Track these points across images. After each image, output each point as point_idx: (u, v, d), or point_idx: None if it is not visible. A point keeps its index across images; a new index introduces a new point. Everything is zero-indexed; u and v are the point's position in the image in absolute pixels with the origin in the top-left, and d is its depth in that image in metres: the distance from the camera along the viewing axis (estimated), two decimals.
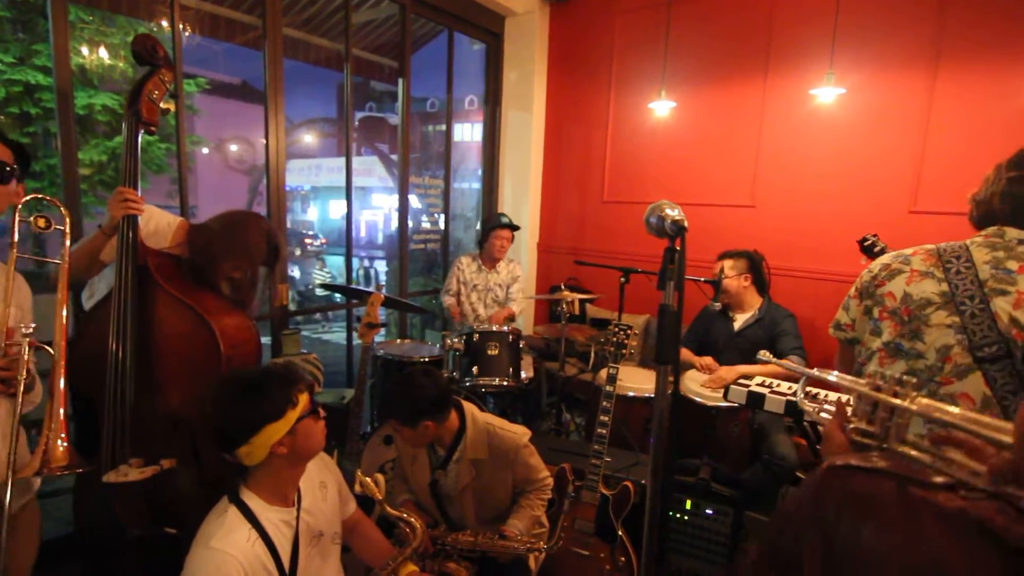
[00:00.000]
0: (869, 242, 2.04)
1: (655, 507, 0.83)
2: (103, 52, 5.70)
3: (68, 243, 1.45)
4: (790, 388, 2.17)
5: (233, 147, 12.03)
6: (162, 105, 1.66)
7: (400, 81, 3.64)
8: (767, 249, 2.99)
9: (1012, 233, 1.19)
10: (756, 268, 2.79)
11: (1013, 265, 1.15)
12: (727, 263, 2.78)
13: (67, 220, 1.46)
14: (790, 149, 3.24)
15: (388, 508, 1.52)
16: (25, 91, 5.50)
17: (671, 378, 0.81)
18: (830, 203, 3.13)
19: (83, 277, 1.75)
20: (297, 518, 1.33)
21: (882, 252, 2.00)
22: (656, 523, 0.82)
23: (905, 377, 0.81)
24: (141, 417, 1.62)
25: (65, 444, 1.33)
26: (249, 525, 1.22)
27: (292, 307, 8.05)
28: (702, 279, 2.73)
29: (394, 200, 3.83)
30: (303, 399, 1.26)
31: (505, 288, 3.46)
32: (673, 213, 0.77)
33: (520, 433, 1.87)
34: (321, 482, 1.45)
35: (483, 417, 1.86)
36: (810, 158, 3.18)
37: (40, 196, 1.49)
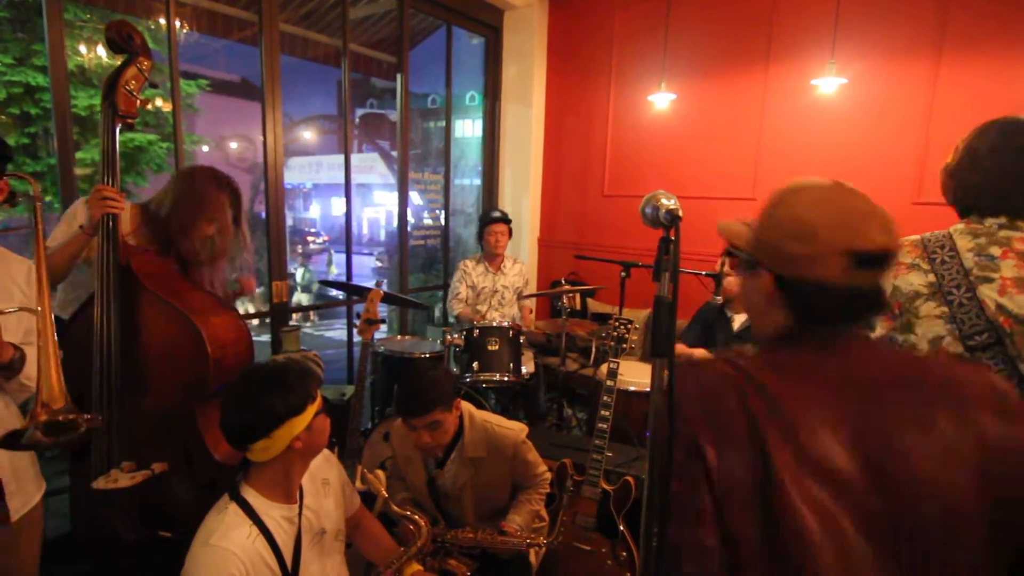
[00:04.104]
0: None
1: (653, 502, 0.81)
2: (101, 51, 5.70)
3: (39, 205, 1.36)
4: None
5: (233, 145, 12.03)
6: (141, 96, 1.60)
7: (399, 77, 3.62)
8: None
9: (991, 219, 1.18)
10: None
11: (996, 251, 1.14)
12: (730, 260, 2.74)
13: (34, 186, 1.35)
14: (792, 141, 3.20)
15: (393, 505, 1.51)
16: (25, 92, 5.50)
17: (667, 371, 0.79)
18: None
19: (59, 278, 1.69)
20: (299, 515, 1.32)
21: None
22: (655, 517, 0.81)
23: None
24: (131, 421, 1.60)
25: (61, 381, 1.24)
26: (250, 522, 1.22)
27: (300, 304, 8.04)
28: (703, 272, 2.70)
29: (395, 197, 3.82)
30: (315, 405, 1.27)
31: (513, 290, 3.44)
32: (668, 203, 0.75)
33: (517, 429, 1.87)
34: (324, 479, 1.44)
35: (480, 415, 1.86)
36: (812, 150, 3.15)
37: None
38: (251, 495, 1.25)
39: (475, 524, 1.81)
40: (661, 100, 3.33)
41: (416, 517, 1.50)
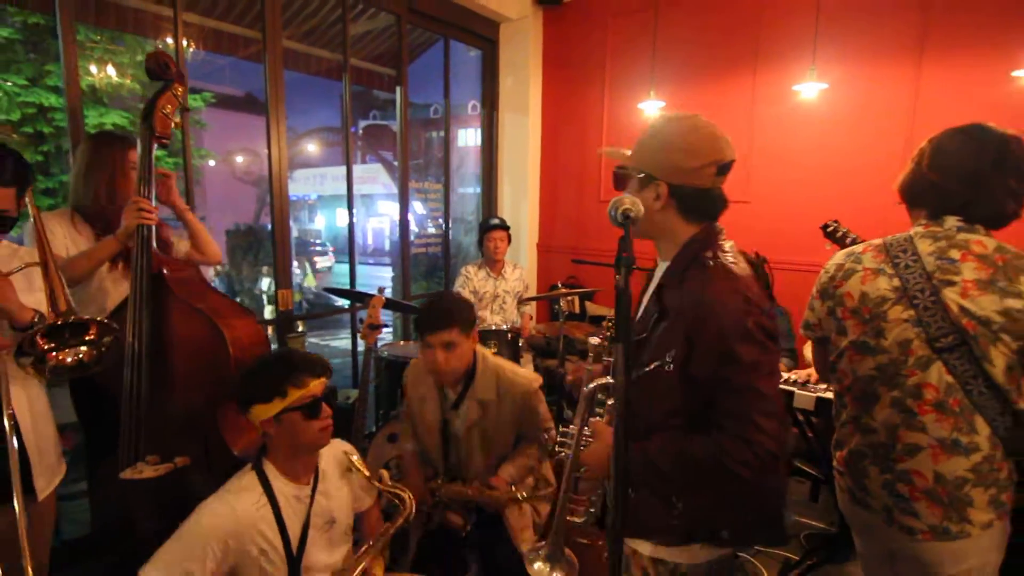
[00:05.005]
0: (831, 228, 2.09)
1: (621, 493, 0.89)
2: (111, 70, 5.86)
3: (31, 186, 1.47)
4: (784, 379, 2.21)
5: (239, 158, 12.22)
6: (175, 119, 1.74)
7: (398, 89, 3.73)
8: (762, 243, 3.00)
9: (951, 221, 1.22)
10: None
11: (955, 254, 1.18)
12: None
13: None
14: (782, 145, 3.28)
15: (379, 484, 1.53)
16: (38, 111, 5.66)
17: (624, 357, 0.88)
18: (822, 196, 3.16)
19: (79, 280, 1.77)
20: (311, 497, 1.40)
21: (844, 236, 2.04)
22: (621, 507, 0.88)
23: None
24: (156, 417, 1.70)
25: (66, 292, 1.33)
26: (261, 490, 1.32)
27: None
28: None
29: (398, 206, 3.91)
30: (295, 394, 1.32)
31: (514, 295, 3.52)
32: (624, 204, 0.84)
33: (530, 379, 1.89)
34: (343, 471, 1.52)
35: (495, 360, 1.90)
36: (803, 152, 3.22)
37: None
38: (269, 468, 1.36)
39: (479, 470, 1.86)
40: (650, 108, 3.41)
41: (403, 493, 1.51)
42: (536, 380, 1.91)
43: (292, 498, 1.37)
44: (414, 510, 1.50)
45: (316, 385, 1.36)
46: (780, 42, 3.19)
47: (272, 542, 1.31)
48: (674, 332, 1.08)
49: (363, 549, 1.46)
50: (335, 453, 1.53)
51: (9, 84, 5.71)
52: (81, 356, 1.30)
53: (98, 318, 1.34)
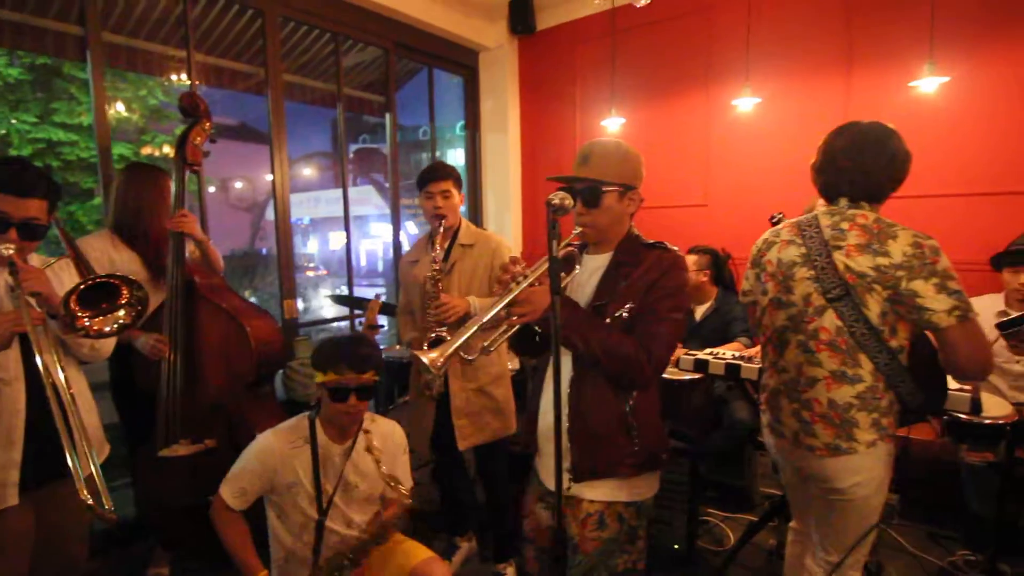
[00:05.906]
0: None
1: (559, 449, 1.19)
2: (120, 106, 6.19)
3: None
4: (733, 356, 2.52)
5: (237, 184, 12.55)
6: (203, 149, 2.07)
7: (387, 116, 4.07)
8: (721, 242, 3.36)
9: (843, 202, 1.56)
10: (717, 265, 3.16)
11: (845, 225, 1.51)
12: (691, 258, 3.15)
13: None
14: (735, 152, 3.64)
15: (386, 476, 1.69)
16: (47, 146, 5.98)
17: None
18: (773, 197, 3.50)
19: None
20: (346, 458, 1.66)
21: None
22: (559, 463, 1.18)
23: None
24: (188, 405, 1.99)
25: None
26: (306, 434, 1.62)
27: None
28: None
29: (390, 226, 4.23)
30: (330, 376, 1.57)
31: None
32: (558, 200, 1.16)
33: (503, 238, 2.36)
34: (370, 448, 1.68)
35: (475, 227, 2.37)
36: (752, 158, 3.58)
37: None
38: (318, 421, 1.65)
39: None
40: (612, 124, 3.77)
41: (402, 487, 1.67)
42: (505, 242, 2.39)
43: (328, 452, 1.65)
44: (406, 504, 1.68)
45: (350, 377, 1.56)
46: (724, 62, 3.58)
47: (302, 480, 1.59)
48: (632, 291, 1.40)
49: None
50: (382, 431, 1.74)
51: (14, 122, 6.02)
52: (121, 320, 1.44)
53: (118, 274, 1.47)
